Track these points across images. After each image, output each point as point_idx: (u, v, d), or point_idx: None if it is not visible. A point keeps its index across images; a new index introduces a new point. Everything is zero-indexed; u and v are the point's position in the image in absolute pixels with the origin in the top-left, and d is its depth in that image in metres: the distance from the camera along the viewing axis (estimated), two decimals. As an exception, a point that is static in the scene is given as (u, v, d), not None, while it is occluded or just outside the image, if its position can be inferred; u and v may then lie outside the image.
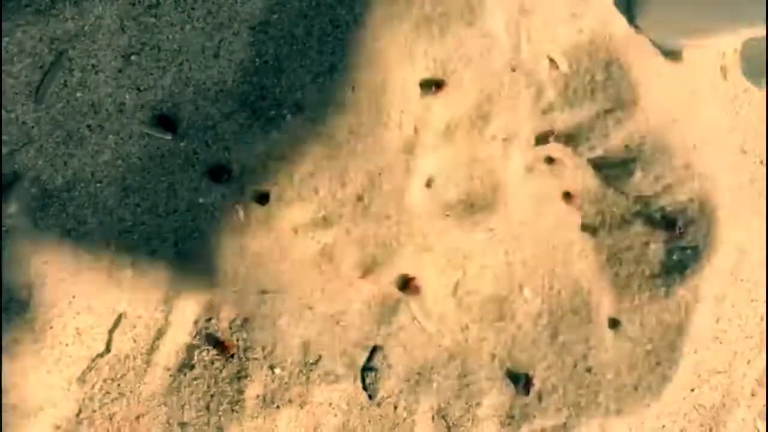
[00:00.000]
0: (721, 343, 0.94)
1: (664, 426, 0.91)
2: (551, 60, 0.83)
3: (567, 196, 0.88)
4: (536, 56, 0.83)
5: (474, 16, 0.80)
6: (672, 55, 0.85)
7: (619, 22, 0.83)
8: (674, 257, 0.89)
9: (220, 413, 0.78)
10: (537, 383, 0.86)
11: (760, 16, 0.70)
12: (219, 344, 0.79)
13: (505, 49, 0.82)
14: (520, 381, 0.86)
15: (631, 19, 0.83)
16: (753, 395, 0.99)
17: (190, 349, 0.79)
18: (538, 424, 0.86)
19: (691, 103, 0.87)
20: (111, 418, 0.76)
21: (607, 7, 0.82)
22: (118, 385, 0.77)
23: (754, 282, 0.95)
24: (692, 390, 0.93)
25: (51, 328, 0.74)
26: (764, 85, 0.87)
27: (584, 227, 0.88)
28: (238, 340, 0.80)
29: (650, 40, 0.84)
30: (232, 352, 0.79)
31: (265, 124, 0.79)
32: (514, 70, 0.82)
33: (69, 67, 0.71)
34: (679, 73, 0.87)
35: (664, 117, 0.86)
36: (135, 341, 0.78)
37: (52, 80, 0.71)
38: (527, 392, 0.86)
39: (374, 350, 0.83)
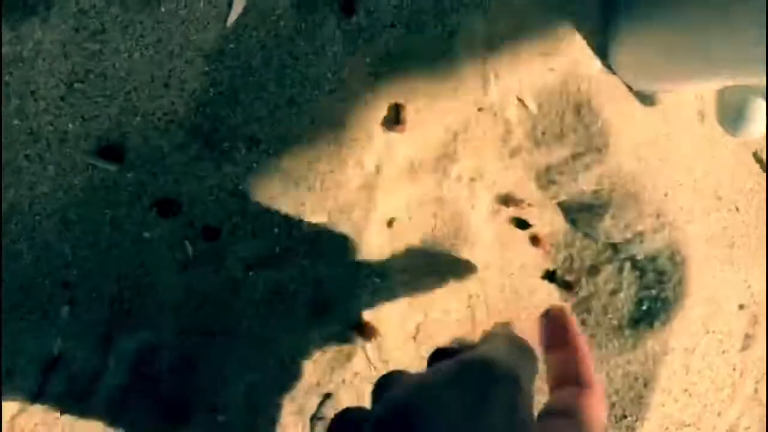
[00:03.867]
0: (690, 395, 0.91)
1: (628, 481, 0.88)
2: (520, 100, 0.79)
3: (534, 239, 0.85)
4: (504, 95, 0.79)
5: (440, 52, 0.77)
6: (646, 97, 0.82)
7: (591, 62, 0.80)
8: (643, 307, 0.85)
9: (157, 463, 0.73)
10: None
11: (746, 65, 0.67)
12: (170, 407, 0.75)
13: (472, 87, 0.78)
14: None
15: (604, 60, 0.79)
16: (722, 448, 0.96)
17: (129, 392, 0.75)
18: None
19: (665, 148, 0.84)
20: (40, 466, 0.72)
21: (579, 46, 0.79)
22: (50, 429, 0.72)
23: (726, 332, 0.92)
24: (659, 443, 0.90)
25: (-26, 371, 0.69)
26: (739, 131, 0.84)
27: (550, 274, 0.84)
28: (179, 385, 0.75)
29: (624, 82, 0.80)
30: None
31: (218, 157, 0.76)
32: (480, 109, 0.79)
33: (6, 94, 0.67)
34: (654, 117, 0.84)
35: (637, 162, 0.83)
36: (70, 383, 0.74)
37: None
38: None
39: (326, 398, 0.79)
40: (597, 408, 0.47)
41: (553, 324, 0.55)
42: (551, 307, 0.55)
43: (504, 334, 0.52)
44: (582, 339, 0.54)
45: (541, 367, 0.53)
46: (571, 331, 0.53)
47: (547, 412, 0.46)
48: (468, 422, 0.35)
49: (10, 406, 0.72)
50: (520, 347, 0.46)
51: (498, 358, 0.40)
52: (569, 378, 0.50)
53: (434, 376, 0.39)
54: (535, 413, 0.42)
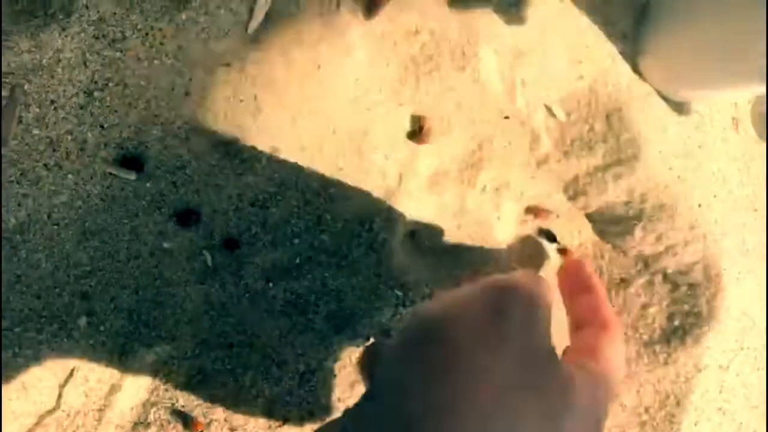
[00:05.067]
0: (724, 414, 0.87)
1: (659, 504, 0.85)
2: (547, 108, 0.77)
3: (562, 251, 0.82)
4: (531, 103, 0.77)
5: (465, 59, 0.75)
6: (679, 105, 0.79)
7: (622, 69, 0.77)
8: (675, 323, 0.82)
9: (174, 480, 0.72)
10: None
11: None
12: (187, 421, 0.73)
13: (498, 95, 0.76)
14: None
15: (635, 67, 0.77)
16: (757, 469, 0.92)
17: (146, 406, 0.73)
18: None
19: (698, 158, 0.81)
20: (56, 480, 0.70)
21: (609, 53, 0.77)
22: (66, 443, 0.71)
23: (761, 349, 0.89)
24: (691, 464, 0.86)
25: (-9, 384, 0.68)
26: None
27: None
28: (197, 398, 0.74)
29: (655, 89, 0.77)
30: (200, 430, 0.73)
31: (238, 166, 0.74)
32: (507, 117, 0.77)
33: (25, 102, 0.66)
34: (686, 126, 0.81)
35: (669, 172, 0.80)
36: (87, 396, 0.72)
37: (11, 119, 0.66)
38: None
39: (345, 413, 0.77)
40: (615, 344, 0.51)
41: (571, 272, 0.58)
42: (567, 260, 0.59)
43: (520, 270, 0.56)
44: (599, 283, 0.56)
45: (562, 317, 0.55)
46: (588, 277, 0.56)
47: (570, 350, 0.50)
48: (485, 333, 0.37)
49: (27, 419, 0.71)
50: (536, 276, 0.48)
51: (511, 278, 0.43)
52: (588, 320, 0.53)
53: (455, 295, 0.42)
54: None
